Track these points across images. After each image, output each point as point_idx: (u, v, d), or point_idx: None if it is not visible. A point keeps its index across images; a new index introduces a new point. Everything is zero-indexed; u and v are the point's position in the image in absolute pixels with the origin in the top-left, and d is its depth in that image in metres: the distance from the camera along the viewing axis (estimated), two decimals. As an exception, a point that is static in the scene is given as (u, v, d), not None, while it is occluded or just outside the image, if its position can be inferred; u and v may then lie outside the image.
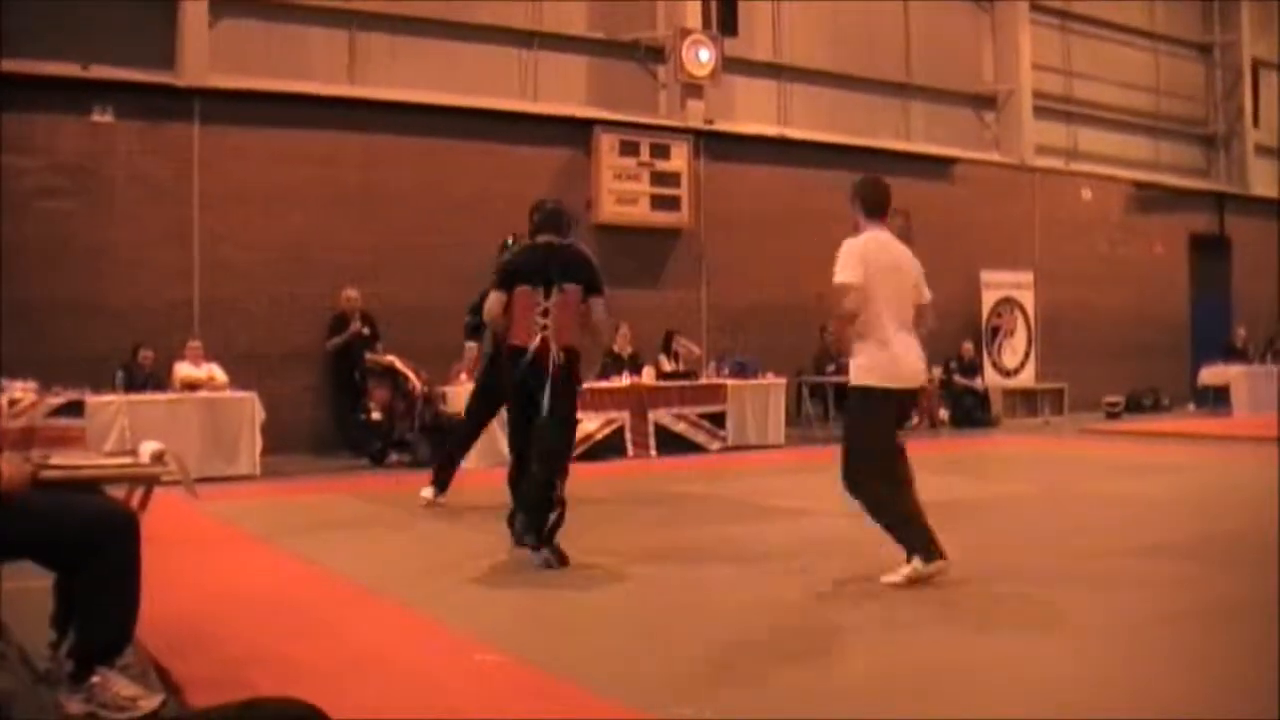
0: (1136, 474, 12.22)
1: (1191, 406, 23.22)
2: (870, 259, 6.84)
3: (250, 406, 13.11)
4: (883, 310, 6.80)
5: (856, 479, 6.85)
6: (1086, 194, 23.74)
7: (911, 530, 6.69)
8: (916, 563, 6.59)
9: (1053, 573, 6.99)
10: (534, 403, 7.92)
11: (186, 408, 12.79)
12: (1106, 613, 5.94)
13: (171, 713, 4.21)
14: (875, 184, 7.29)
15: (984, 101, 22.81)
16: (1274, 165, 27.69)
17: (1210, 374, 22.44)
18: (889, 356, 6.79)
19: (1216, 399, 22.04)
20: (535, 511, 7.64)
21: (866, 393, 6.81)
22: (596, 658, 5.20)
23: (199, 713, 2.71)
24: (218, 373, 13.69)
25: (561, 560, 7.47)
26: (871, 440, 6.87)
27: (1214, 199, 26.32)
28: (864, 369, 6.81)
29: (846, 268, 6.79)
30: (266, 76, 15.41)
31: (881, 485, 6.82)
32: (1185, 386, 23.98)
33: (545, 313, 7.92)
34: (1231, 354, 23.10)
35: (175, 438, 11.73)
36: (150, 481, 4.80)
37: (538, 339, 7.85)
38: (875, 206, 7.15)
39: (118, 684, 4.20)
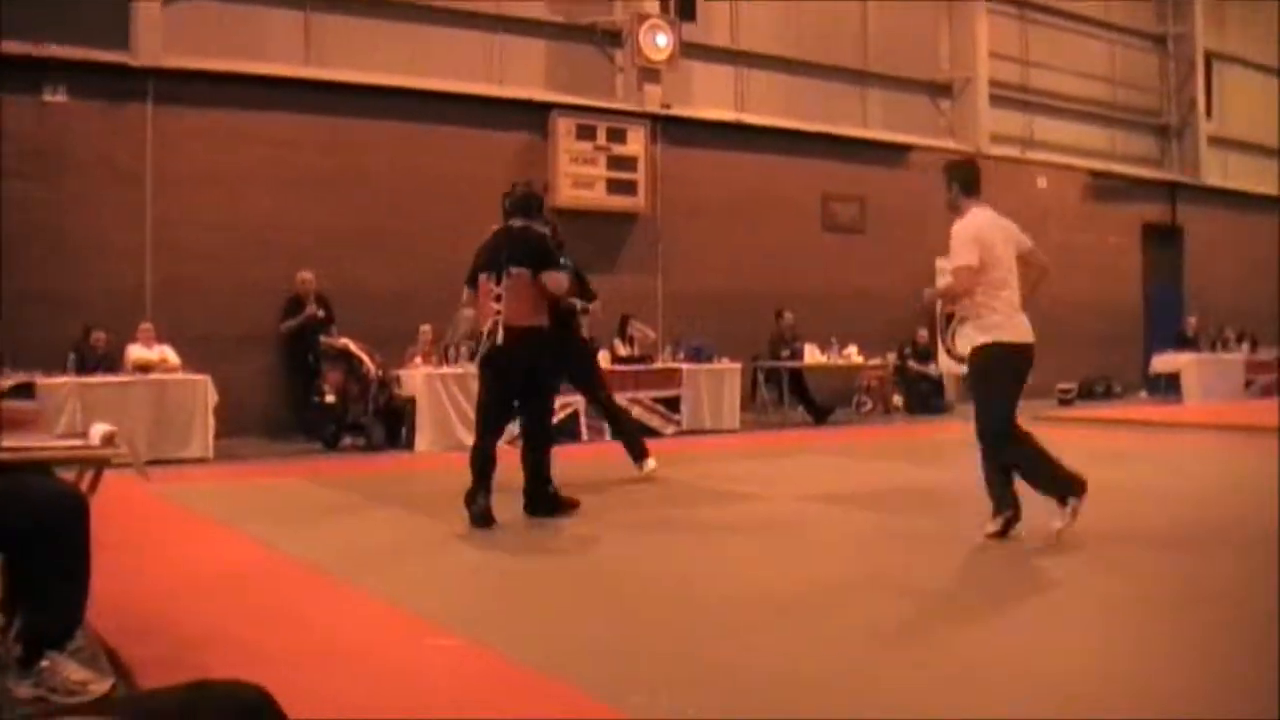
0: (1090, 461, 12.27)
1: (1144, 394, 23.44)
2: (984, 238, 7.48)
3: (203, 389, 13.03)
4: (1006, 278, 7.49)
5: (988, 436, 7.47)
6: (1042, 182, 23.87)
7: (1057, 476, 7.32)
8: (1074, 502, 7.22)
9: (1022, 560, 7.06)
10: (501, 385, 8.55)
11: (139, 390, 12.70)
12: (1091, 601, 5.98)
13: (121, 696, 4.19)
14: (969, 165, 8.08)
15: (940, 89, 22.89)
16: (1226, 156, 28.02)
17: (1162, 362, 22.67)
18: (1017, 320, 7.47)
19: (1168, 387, 22.25)
20: (536, 496, 8.57)
21: (993, 348, 7.40)
22: (551, 642, 5.19)
23: (145, 694, 2.69)
24: (170, 355, 13.60)
25: (573, 505, 8.67)
26: (1001, 394, 7.45)
27: (1167, 189, 26.53)
28: (992, 328, 7.41)
29: (963, 251, 7.43)
30: (222, 57, 15.29)
31: (1014, 438, 7.42)
32: (1138, 374, 24.21)
33: (498, 298, 8.36)
34: (1183, 342, 23.32)
35: (127, 420, 11.73)
36: (100, 464, 4.77)
37: (490, 323, 8.36)
38: (972, 186, 7.77)
39: (68, 668, 4.17)
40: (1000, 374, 7.45)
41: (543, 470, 8.65)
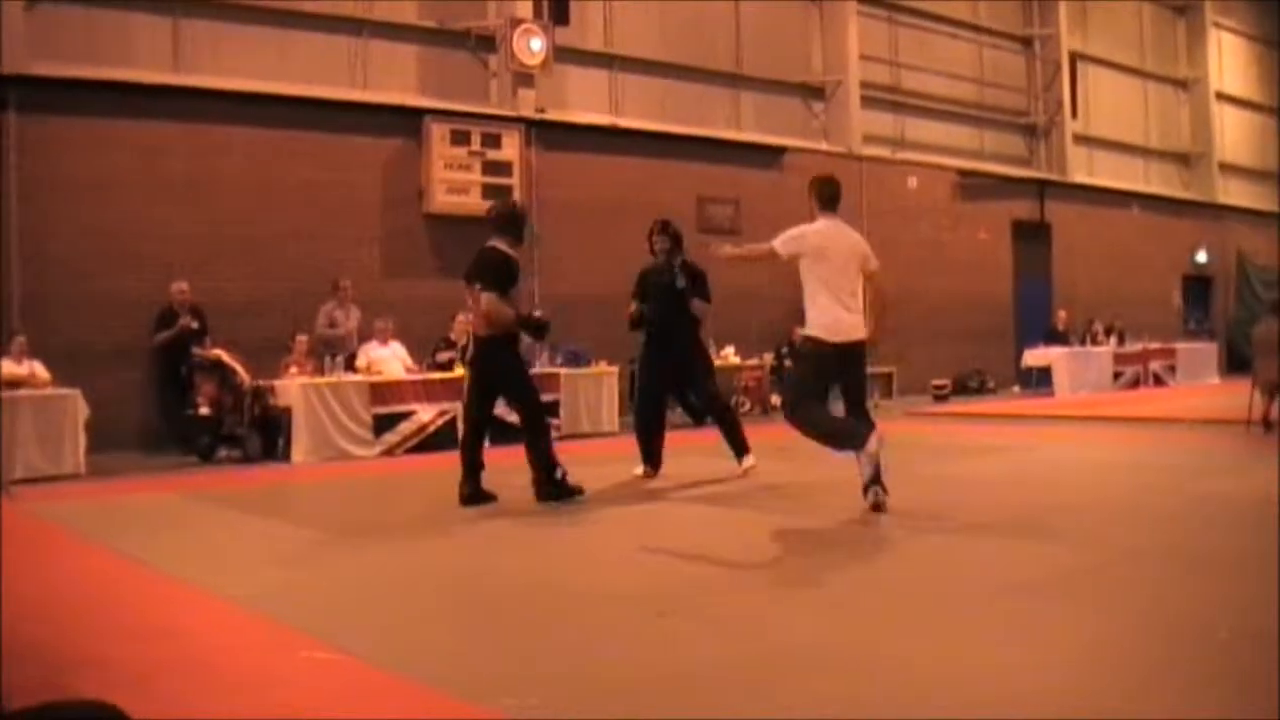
0: (962, 454, 12.56)
1: (1016, 388, 23.93)
2: (807, 241, 8.58)
3: (74, 404, 12.77)
4: (821, 283, 8.49)
5: (793, 409, 8.73)
6: (913, 182, 24.26)
7: (841, 435, 8.57)
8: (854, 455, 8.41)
9: (884, 548, 7.22)
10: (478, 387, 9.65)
11: (7, 406, 12.35)
12: (929, 587, 6.09)
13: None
14: (827, 180, 8.98)
15: (813, 91, 23.19)
16: (1091, 154, 28.78)
17: (1033, 356, 23.18)
18: (830, 318, 8.45)
19: (1040, 380, 22.74)
20: (544, 484, 9.33)
21: (809, 341, 8.58)
22: (424, 649, 5.20)
23: (-5, 720, 2.66)
24: (40, 370, 13.28)
25: (578, 490, 9.40)
26: (807, 377, 8.80)
27: (1035, 186, 27.12)
28: (808, 325, 8.56)
29: (782, 239, 8.64)
30: (88, 64, 15.02)
31: (813, 407, 8.65)
32: (1010, 368, 24.70)
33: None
34: (1054, 337, 23.83)
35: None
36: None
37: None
38: (825, 200, 8.83)
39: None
40: (810, 362, 8.72)
41: (546, 458, 9.36)
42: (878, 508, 8.26)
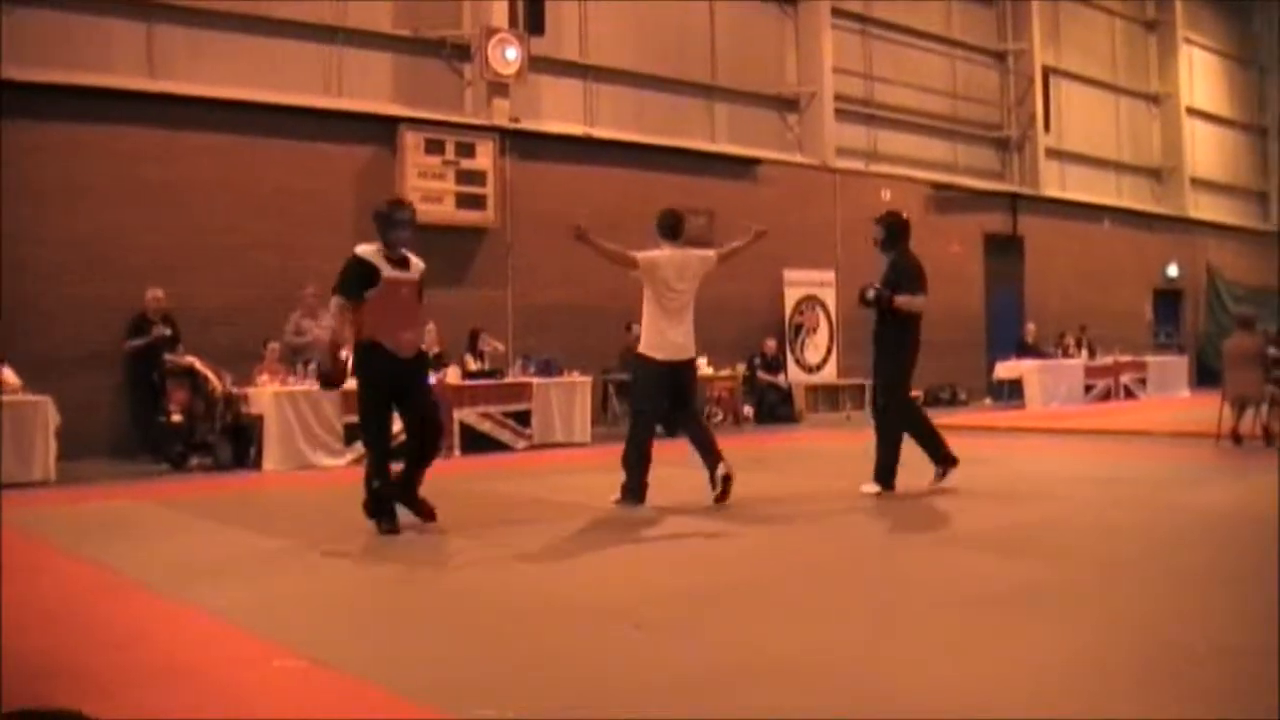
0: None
1: (988, 400, 24.02)
2: (659, 264, 9.78)
3: (45, 410, 12.65)
4: (658, 307, 9.74)
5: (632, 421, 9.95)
6: (886, 194, 24.28)
7: (638, 478, 9.67)
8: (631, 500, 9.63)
9: (858, 561, 7.23)
10: None
11: (-25, 412, 12.27)
12: (902, 600, 6.10)
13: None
14: (669, 214, 10.26)
15: (787, 104, 23.24)
16: (1063, 168, 28.93)
17: (1005, 369, 23.30)
18: (662, 340, 9.67)
19: (1011, 392, 22.84)
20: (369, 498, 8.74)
21: (642, 359, 9.74)
22: (399, 659, 5.18)
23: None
24: (10, 375, 13.17)
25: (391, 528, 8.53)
26: (644, 396, 9.85)
27: (1008, 200, 27.25)
28: (643, 345, 9.77)
29: (645, 255, 9.77)
30: (62, 69, 14.94)
31: (640, 432, 9.72)
32: (981, 380, 24.79)
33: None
34: (1024, 349, 23.94)
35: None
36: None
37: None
38: (666, 231, 10.10)
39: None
40: (647, 382, 9.78)
41: (367, 472, 8.76)
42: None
